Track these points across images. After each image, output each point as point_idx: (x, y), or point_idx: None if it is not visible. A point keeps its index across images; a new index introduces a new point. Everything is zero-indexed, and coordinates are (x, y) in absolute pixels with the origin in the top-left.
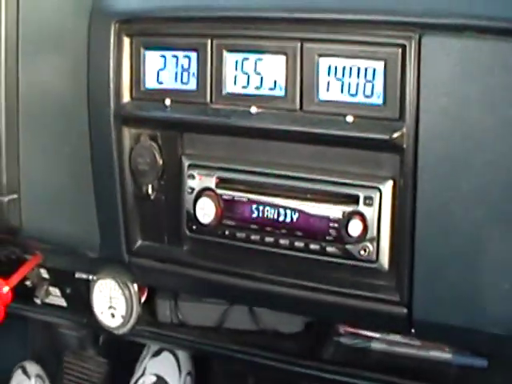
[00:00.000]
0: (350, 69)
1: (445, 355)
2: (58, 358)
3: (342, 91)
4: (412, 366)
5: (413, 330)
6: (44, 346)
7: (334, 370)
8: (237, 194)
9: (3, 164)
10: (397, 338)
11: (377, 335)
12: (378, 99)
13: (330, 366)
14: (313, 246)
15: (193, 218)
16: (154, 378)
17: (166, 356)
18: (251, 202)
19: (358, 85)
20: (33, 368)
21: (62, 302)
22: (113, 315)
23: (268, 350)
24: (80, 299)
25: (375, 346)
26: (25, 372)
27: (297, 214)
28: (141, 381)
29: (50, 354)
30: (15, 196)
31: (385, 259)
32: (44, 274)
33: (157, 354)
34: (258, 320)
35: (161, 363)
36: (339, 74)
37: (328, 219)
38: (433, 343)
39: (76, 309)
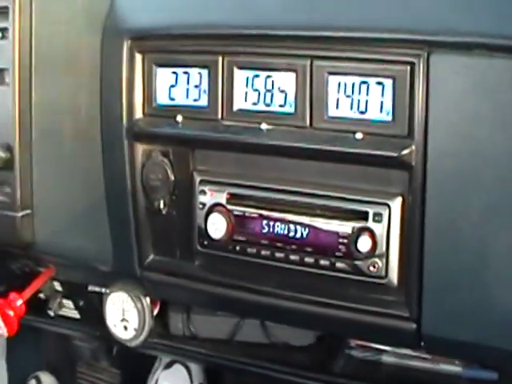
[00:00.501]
0: (360, 86)
1: (455, 368)
2: (71, 368)
3: (351, 108)
4: (422, 379)
5: (422, 344)
6: (58, 356)
7: (345, 383)
8: (247, 210)
9: (17, 180)
10: (407, 351)
11: (387, 348)
12: (387, 116)
13: (340, 378)
14: (322, 262)
15: (204, 233)
16: None
17: (178, 368)
18: (262, 217)
19: (367, 102)
20: (47, 379)
21: (75, 314)
22: (125, 328)
23: (279, 362)
24: (93, 312)
25: (386, 359)
26: (39, 382)
27: (307, 230)
28: None
29: (63, 365)
30: (28, 211)
31: (394, 275)
32: (57, 286)
33: (169, 365)
34: (269, 333)
35: (173, 375)
36: (348, 91)
37: (337, 235)
38: (439, 356)
39: (89, 321)
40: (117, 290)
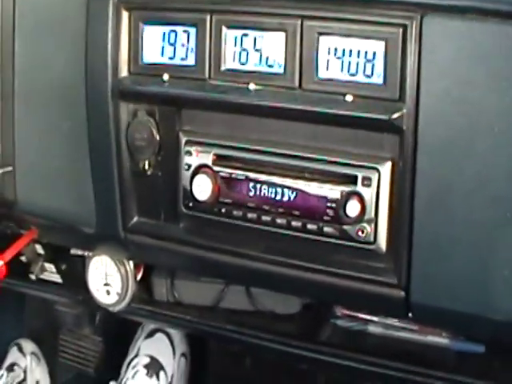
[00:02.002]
0: (351, 48)
1: (442, 340)
2: (53, 336)
3: (341, 70)
4: (409, 351)
5: (410, 315)
6: (40, 323)
7: (331, 352)
8: (234, 172)
9: None
10: (394, 321)
11: (374, 318)
12: (378, 79)
13: (326, 348)
14: (310, 226)
15: (189, 194)
16: (147, 359)
17: (160, 337)
18: (248, 179)
19: (357, 64)
20: (28, 346)
21: (58, 279)
22: (108, 292)
23: (264, 330)
24: (75, 276)
25: (372, 329)
26: (20, 349)
27: (294, 194)
28: (134, 361)
29: (45, 332)
30: (10, 169)
31: (382, 241)
32: (39, 249)
33: (150, 334)
34: (254, 300)
35: (155, 344)
36: (339, 53)
37: (326, 199)
38: (430, 328)
39: (71, 285)
40: (100, 253)
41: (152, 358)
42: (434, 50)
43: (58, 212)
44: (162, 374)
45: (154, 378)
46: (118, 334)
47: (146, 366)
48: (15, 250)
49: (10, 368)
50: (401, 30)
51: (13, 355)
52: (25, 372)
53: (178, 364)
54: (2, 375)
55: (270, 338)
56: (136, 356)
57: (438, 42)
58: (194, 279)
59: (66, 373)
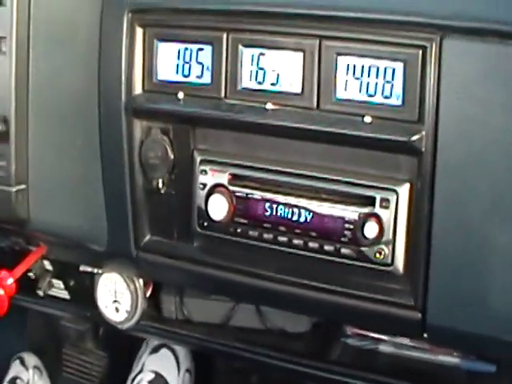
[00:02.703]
0: (369, 68)
1: (453, 360)
2: (56, 350)
3: (360, 91)
4: (420, 370)
5: (425, 335)
6: (43, 337)
7: (341, 371)
8: (250, 192)
9: (12, 154)
10: (405, 340)
11: (385, 337)
12: (396, 100)
13: (336, 367)
14: (327, 247)
15: (204, 214)
16: (152, 375)
17: (165, 353)
18: (264, 200)
19: (376, 85)
20: (31, 359)
21: (65, 295)
22: (117, 309)
23: (274, 349)
24: (83, 292)
25: (383, 348)
26: (22, 363)
27: (311, 214)
28: (139, 377)
29: (48, 346)
30: (23, 186)
31: (400, 263)
32: (47, 265)
33: (155, 350)
34: (264, 319)
35: (159, 360)
36: (358, 74)
37: (343, 220)
38: (441, 347)
39: (79, 302)
40: (110, 270)
41: (157, 374)
42: (454, 71)
43: (70, 229)
44: None
45: None
46: (121, 349)
47: (150, 382)
48: (25, 267)
49: (13, 382)
50: (420, 51)
51: (15, 369)
52: None
53: (183, 380)
54: None
55: (279, 357)
56: (140, 372)
57: (457, 64)
58: (204, 297)
59: None
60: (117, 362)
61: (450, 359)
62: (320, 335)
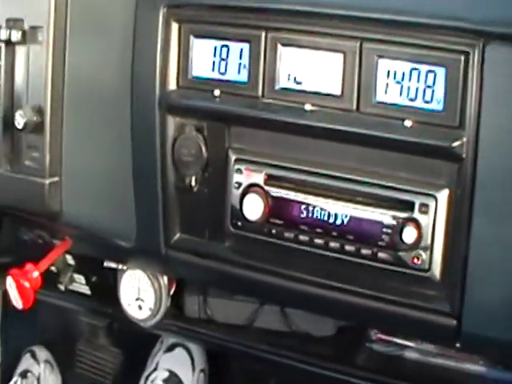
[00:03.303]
0: (410, 72)
1: (479, 368)
2: (68, 345)
3: (400, 94)
4: (445, 378)
5: (458, 345)
6: (55, 332)
7: (366, 376)
8: (286, 193)
9: (46, 145)
10: (430, 347)
11: (410, 344)
12: (437, 105)
13: (361, 372)
14: (364, 251)
15: (238, 213)
16: (166, 374)
17: (180, 352)
18: (301, 201)
19: (417, 89)
20: (42, 353)
21: (86, 290)
22: (140, 307)
23: (298, 352)
24: (105, 288)
25: (408, 354)
26: (34, 357)
27: (348, 217)
28: (153, 375)
29: (60, 341)
30: (56, 179)
31: (437, 269)
32: (70, 260)
33: (170, 349)
34: (289, 321)
35: (174, 359)
36: (398, 77)
37: (381, 224)
38: (467, 355)
39: (100, 298)
40: (136, 267)
41: (171, 373)
42: (496, 78)
43: (99, 224)
44: None
45: None
46: (136, 347)
47: (164, 381)
48: (50, 260)
49: (24, 375)
50: (463, 56)
51: (26, 362)
52: (38, 380)
53: (197, 380)
54: (16, 382)
55: (304, 360)
56: (155, 370)
57: (500, 70)
58: (228, 297)
59: (80, 382)
60: (131, 359)
61: (477, 367)
62: (345, 340)
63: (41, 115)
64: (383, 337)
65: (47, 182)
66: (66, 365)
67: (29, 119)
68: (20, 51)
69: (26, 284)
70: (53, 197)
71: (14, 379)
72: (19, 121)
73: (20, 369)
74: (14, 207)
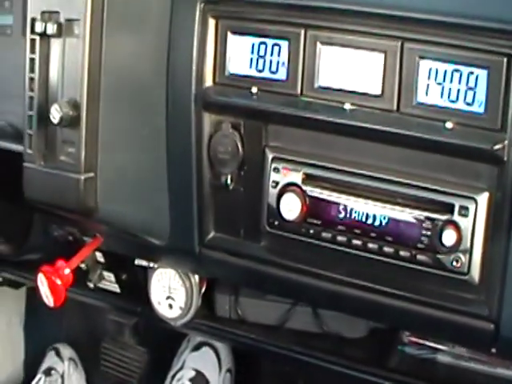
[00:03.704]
0: (452, 73)
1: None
2: (93, 342)
3: (441, 96)
4: (477, 382)
5: (493, 350)
6: (79, 329)
7: (398, 379)
8: (324, 192)
9: (82, 140)
10: (463, 351)
11: (443, 347)
12: (479, 108)
13: (394, 374)
14: (403, 253)
15: (275, 213)
16: (193, 373)
17: (207, 351)
18: (339, 201)
19: (458, 91)
20: (66, 351)
21: (116, 288)
22: (171, 306)
23: (330, 353)
24: (135, 286)
25: (441, 358)
26: (58, 354)
27: (387, 219)
28: (179, 374)
29: (85, 338)
30: (92, 175)
31: (476, 272)
32: (99, 257)
33: (197, 348)
34: (320, 322)
35: (201, 358)
36: (440, 78)
37: (421, 226)
38: (499, 360)
39: (130, 296)
40: (166, 265)
41: (197, 372)
42: None
43: (133, 222)
44: None
45: None
46: (162, 345)
47: (191, 380)
48: (81, 257)
49: (48, 372)
50: (505, 59)
51: (50, 359)
52: (62, 377)
53: (223, 380)
54: (40, 379)
55: (336, 361)
56: (181, 369)
57: None
58: (259, 297)
59: (105, 381)
60: (157, 358)
61: (509, 372)
62: (377, 342)
63: (76, 109)
64: (415, 339)
65: (82, 177)
66: (91, 363)
67: (64, 114)
68: (55, 44)
69: (58, 281)
70: (88, 193)
71: (38, 376)
72: (54, 115)
73: (44, 366)
74: (48, 203)
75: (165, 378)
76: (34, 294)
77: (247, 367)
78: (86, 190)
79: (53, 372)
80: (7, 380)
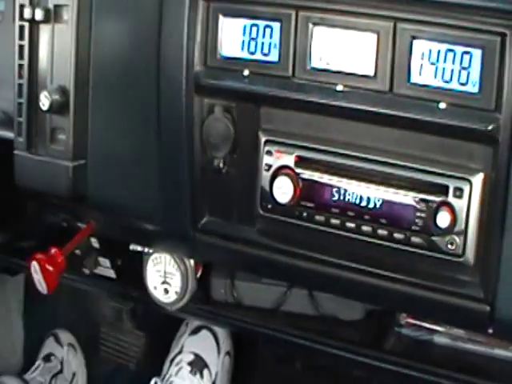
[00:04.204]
0: (445, 54)
1: (509, 354)
2: (92, 328)
3: (435, 76)
4: (475, 363)
5: (490, 331)
6: (78, 315)
7: (395, 361)
8: (317, 175)
9: (71, 127)
10: (460, 332)
11: (439, 329)
12: (473, 88)
13: (390, 356)
14: (397, 235)
15: (268, 196)
16: (191, 357)
17: (205, 334)
18: (332, 184)
19: (452, 71)
20: (65, 336)
21: (111, 274)
22: (166, 291)
23: (327, 336)
24: (131, 272)
25: (438, 339)
26: (57, 340)
27: (381, 201)
28: (178, 358)
29: (83, 324)
30: (82, 162)
31: (471, 254)
32: (94, 243)
33: (195, 331)
34: (316, 305)
35: (199, 341)
36: (433, 58)
37: (415, 208)
38: (497, 341)
39: (126, 282)
40: (161, 250)
41: (196, 356)
42: None
43: (125, 207)
44: (205, 371)
45: (198, 375)
46: (160, 330)
47: (189, 364)
48: (74, 244)
49: (47, 358)
50: (499, 38)
51: (49, 345)
52: (61, 363)
53: (223, 363)
54: (39, 365)
55: (332, 344)
56: (180, 352)
57: None
58: (255, 281)
59: (104, 366)
60: (155, 342)
61: (507, 353)
62: (373, 324)
63: (66, 96)
64: (412, 321)
65: (72, 164)
66: (90, 348)
67: (54, 100)
68: (44, 30)
69: (51, 268)
70: (78, 180)
71: (38, 363)
72: (44, 102)
73: (43, 352)
74: (39, 190)
75: (163, 362)
76: (32, 281)
77: (246, 350)
78: (76, 176)
79: (52, 358)
80: (7, 367)
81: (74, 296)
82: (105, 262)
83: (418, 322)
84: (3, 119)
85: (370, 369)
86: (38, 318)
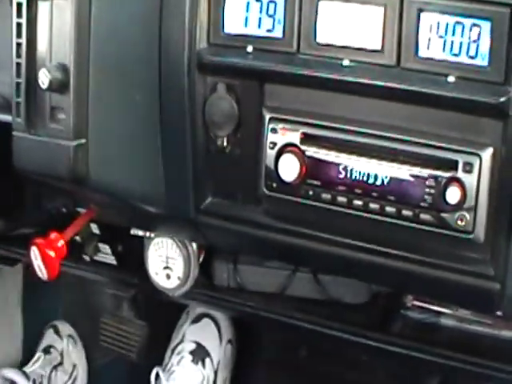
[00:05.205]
0: (454, 26)
1: None
2: (92, 319)
3: (443, 49)
4: (482, 344)
5: (499, 313)
6: (77, 305)
7: (402, 343)
8: (323, 152)
9: (72, 105)
10: (467, 314)
11: (446, 310)
12: (482, 61)
13: (397, 339)
14: (405, 213)
15: (273, 175)
16: (193, 345)
17: (207, 322)
18: (339, 161)
19: (461, 44)
20: (65, 328)
21: (112, 260)
22: (168, 276)
23: (332, 319)
24: (132, 258)
25: (444, 321)
26: (57, 332)
27: (389, 178)
28: (179, 347)
29: (83, 314)
30: (83, 141)
31: (481, 230)
32: (94, 229)
33: (197, 320)
34: (321, 288)
35: (201, 330)
36: (441, 32)
37: (423, 184)
38: (503, 323)
39: (127, 268)
40: (163, 234)
41: (198, 344)
42: None
43: (127, 190)
44: (207, 360)
45: (200, 364)
46: (161, 319)
47: (191, 353)
48: (75, 229)
49: (47, 350)
50: (509, 9)
51: (49, 337)
52: (61, 355)
53: (225, 351)
54: (39, 358)
55: (338, 327)
56: (181, 342)
57: None
58: (258, 264)
59: (105, 356)
60: (156, 331)
61: None
62: (379, 307)
63: (65, 74)
64: (418, 304)
65: (73, 144)
66: (90, 339)
67: (53, 78)
68: (43, 7)
69: (51, 253)
70: (79, 160)
71: (37, 355)
72: (43, 80)
73: (43, 344)
74: (39, 173)
75: (165, 352)
76: (30, 272)
77: (249, 338)
78: (77, 156)
79: (52, 350)
80: (6, 359)
81: (73, 287)
82: (105, 248)
83: (424, 305)
84: (2, 103)
85: (376, 352)
86: (38, 310)
